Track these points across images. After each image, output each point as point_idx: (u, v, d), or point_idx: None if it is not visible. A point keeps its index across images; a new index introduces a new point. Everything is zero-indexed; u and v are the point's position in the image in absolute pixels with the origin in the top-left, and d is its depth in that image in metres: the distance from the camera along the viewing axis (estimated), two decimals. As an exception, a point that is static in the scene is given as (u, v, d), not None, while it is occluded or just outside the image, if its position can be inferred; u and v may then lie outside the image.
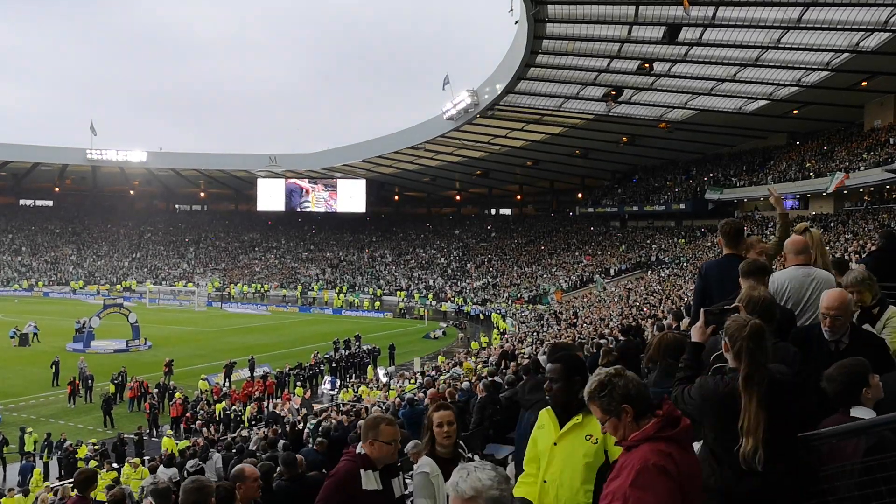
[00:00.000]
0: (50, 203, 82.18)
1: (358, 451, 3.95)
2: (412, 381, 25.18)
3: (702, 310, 3.67)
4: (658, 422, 2.60)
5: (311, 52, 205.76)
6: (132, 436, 21.40)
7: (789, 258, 4.70)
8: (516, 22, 38.44)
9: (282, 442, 13.70)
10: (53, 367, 29.52)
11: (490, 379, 12.22)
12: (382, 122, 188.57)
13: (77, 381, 27.36)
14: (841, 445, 3.01)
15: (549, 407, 3.48)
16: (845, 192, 39.41)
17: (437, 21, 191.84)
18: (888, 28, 30.92)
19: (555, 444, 3.34)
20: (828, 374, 3.28)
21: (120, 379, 27.54)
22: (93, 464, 18.42)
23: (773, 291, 4.33)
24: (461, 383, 15.27)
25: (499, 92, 46.09)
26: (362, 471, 3.81)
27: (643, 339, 11.34)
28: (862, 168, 38.16)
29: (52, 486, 16.31)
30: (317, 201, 76.22)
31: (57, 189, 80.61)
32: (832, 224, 39.19)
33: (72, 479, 17.43)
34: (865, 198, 41.12)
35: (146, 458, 18.33)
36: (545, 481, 3.31)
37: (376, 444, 3.88)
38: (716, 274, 4.95)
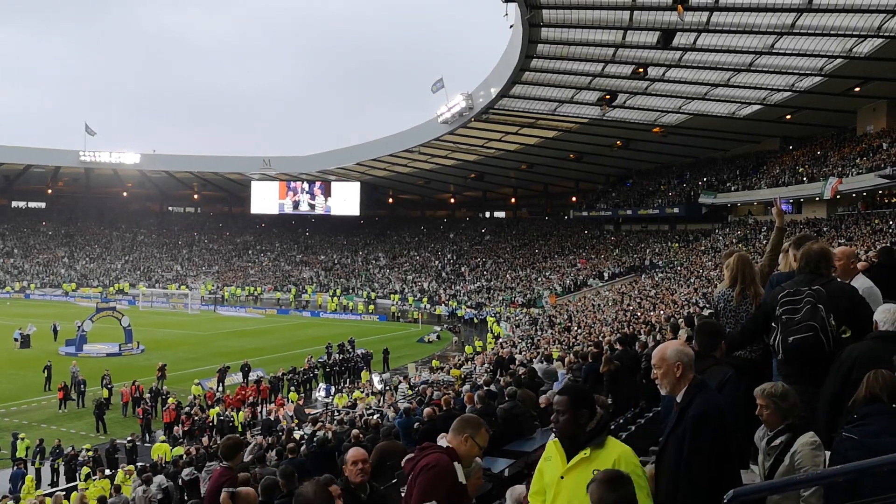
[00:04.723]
0: (42, 205, 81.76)
1: (441, 443, 3.82)
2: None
3: None
4: None
5: (306, 56, 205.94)
6: (125, 442, 21.24)
7: None
8: (511, 26, 38.42)
9: (272, 452, 13.55)
10: (45, 371, 29.28)
11: (485, 388, 12.16)
12: (377, 125, 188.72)
13: (69, 386, 27.18)
14: None
15: (556, 439, 3.43)
16: (838, 196, 39.57)
17: (432, 25, 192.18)
18: (881, 34, 31.09)
19: (561, 477, 3.29)
20: None
21: (108, 383, 27.20)
22: (86, 470, 18.30)
23: None
24: (458, 386, 15.23)
25: (493, 96, 46.08)
26: (455, 464, 3.71)
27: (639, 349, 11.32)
28: (855, 173, 38.33)
29: (44, 493, 16.17)
30: (302, 205, 75.53)
31: (49, 191, 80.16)
32: (825, 229, 39.33)
33: (64, 488, 17.36)
34: (859, 203, 41.26)
35: (139, 464, 18.20)
36: (551, 513, 3.27)
37: (470, 442, 3.81)
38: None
